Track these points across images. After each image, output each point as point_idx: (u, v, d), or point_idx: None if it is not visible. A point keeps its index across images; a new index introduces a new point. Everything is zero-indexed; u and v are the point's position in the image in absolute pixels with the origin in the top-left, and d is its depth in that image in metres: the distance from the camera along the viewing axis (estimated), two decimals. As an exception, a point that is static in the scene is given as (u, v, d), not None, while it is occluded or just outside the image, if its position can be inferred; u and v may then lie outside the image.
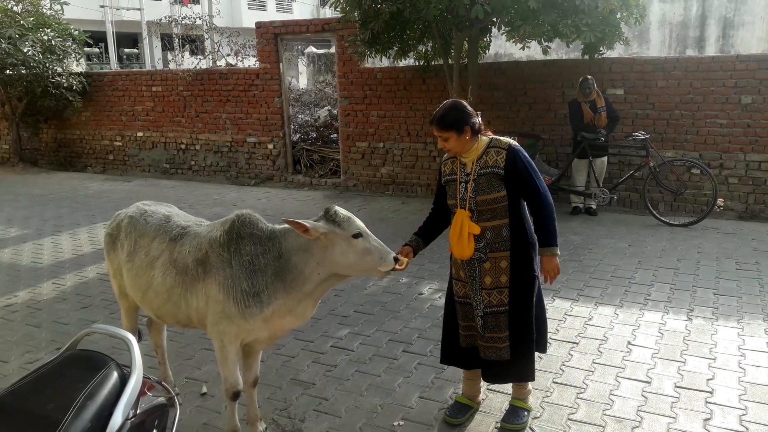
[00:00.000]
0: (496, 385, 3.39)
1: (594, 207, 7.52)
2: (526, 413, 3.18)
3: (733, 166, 7.35)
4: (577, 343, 4.07)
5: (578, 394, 3.46)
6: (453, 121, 2.85)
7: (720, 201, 7.18)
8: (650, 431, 3.09)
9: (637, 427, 3.13)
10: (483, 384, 3.37)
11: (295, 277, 2.71)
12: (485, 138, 2.94)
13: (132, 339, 2.08)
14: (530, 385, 3.25)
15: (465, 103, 2.96)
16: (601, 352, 3.94)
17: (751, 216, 7.26)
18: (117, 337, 2.14)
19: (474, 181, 2.88)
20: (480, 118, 2.93)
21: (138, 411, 1.98)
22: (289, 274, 2.70)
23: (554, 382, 3.58)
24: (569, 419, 3.22)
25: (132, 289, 3.11)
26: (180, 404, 2.65)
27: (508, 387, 3.32)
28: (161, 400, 2.21)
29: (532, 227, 2.97)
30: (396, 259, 2.67)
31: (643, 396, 3.41)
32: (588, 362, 3.81)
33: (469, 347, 3.14)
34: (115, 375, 1.96)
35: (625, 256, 5.88)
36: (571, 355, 3.91)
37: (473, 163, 2.90)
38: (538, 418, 3.23)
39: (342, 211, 2.68)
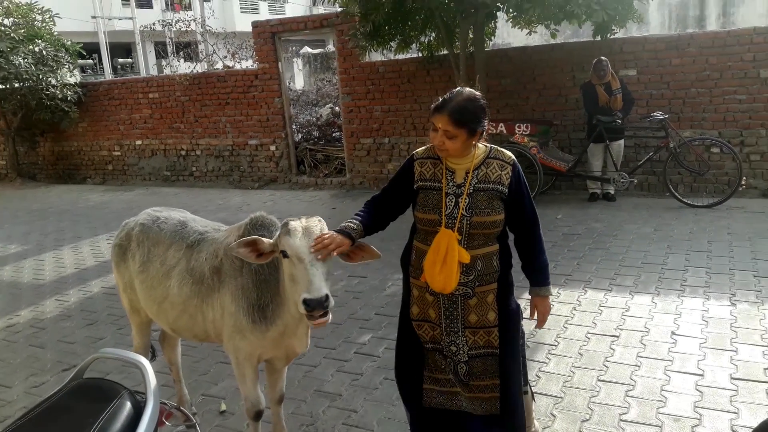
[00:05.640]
0: None
1: (612, 192, 7.25)
2: None
3: (754, 143, 7.08)
4: (617, 337, 3.81)
5: (627, 391, 3.20)
6: (471, 117, 2.20)
7: (743, 179, 6.90)
8: (712, 429, 2.84)
9: (698, 425, 2.88)
10: None
11: (282, 291, 2.38)
12: (482, 145, 2.33)
13: (146, 363, 1.84)
14: None
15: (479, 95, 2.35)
16: (644, 345, 3.68)
17: (776, 193, 7.00)
18: (129, 362, 1.89)
19: (469, 197, 2.26)
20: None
21: (157, 444, 1.74)
22: (281, 286, 2.38)
23: (599, 380, 3.33)
24: (621, 420, 2.97)
25: (146, 302, 2.86)
26: (198, 424, 2.40)
27: None
28: (181, 429, 1.96)
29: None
30: (311, 312, 2.08)
31: (697, 390, 3.16)
32: (632, 356, 3.56)
33: (434, 408, 2.52)
34: (128, 406, 1.71)
35: (652, 241, 5.62)
36: (613, 350, 3.65)
37: (468, 173, 2.28)
38: (587, 420, 2.98)
39: (292, 224, 2.20)
